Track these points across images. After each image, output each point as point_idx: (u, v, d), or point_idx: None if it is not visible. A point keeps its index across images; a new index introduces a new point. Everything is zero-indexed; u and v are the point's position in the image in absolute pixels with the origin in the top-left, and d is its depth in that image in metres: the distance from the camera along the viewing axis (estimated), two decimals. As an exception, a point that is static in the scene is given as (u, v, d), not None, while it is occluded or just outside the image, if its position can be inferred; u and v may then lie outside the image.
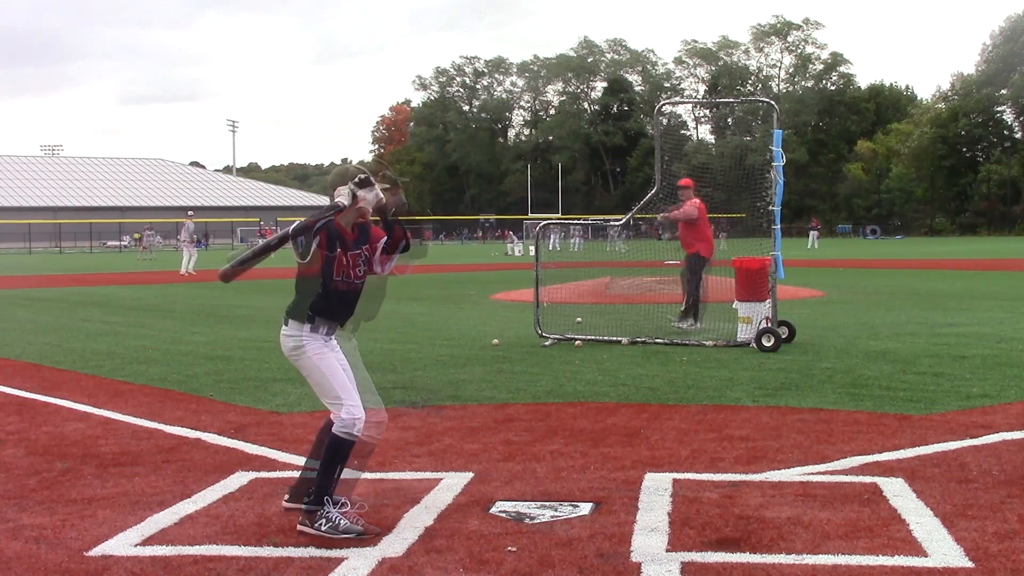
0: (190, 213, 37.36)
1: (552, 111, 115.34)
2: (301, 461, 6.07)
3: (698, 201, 12.51)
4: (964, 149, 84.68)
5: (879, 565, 4.14)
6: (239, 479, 5.66)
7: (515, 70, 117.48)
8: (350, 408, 4.69)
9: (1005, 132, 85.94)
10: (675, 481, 5.45)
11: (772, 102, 12.32)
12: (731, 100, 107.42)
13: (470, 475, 5.67)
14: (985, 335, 11.83)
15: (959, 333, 12.08)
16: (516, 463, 5.93)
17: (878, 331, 12.46)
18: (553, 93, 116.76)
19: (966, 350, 10.47)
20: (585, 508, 4.98)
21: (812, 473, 5.62)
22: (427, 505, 5.06)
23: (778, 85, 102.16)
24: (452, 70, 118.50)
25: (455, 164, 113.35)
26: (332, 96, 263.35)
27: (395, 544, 4.47)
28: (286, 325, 4.78)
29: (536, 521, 4.78)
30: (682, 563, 4.17)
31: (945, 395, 7.94)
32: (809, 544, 4.39)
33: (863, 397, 7.92)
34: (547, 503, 5.07)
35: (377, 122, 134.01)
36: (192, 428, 7.09)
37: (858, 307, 16.28)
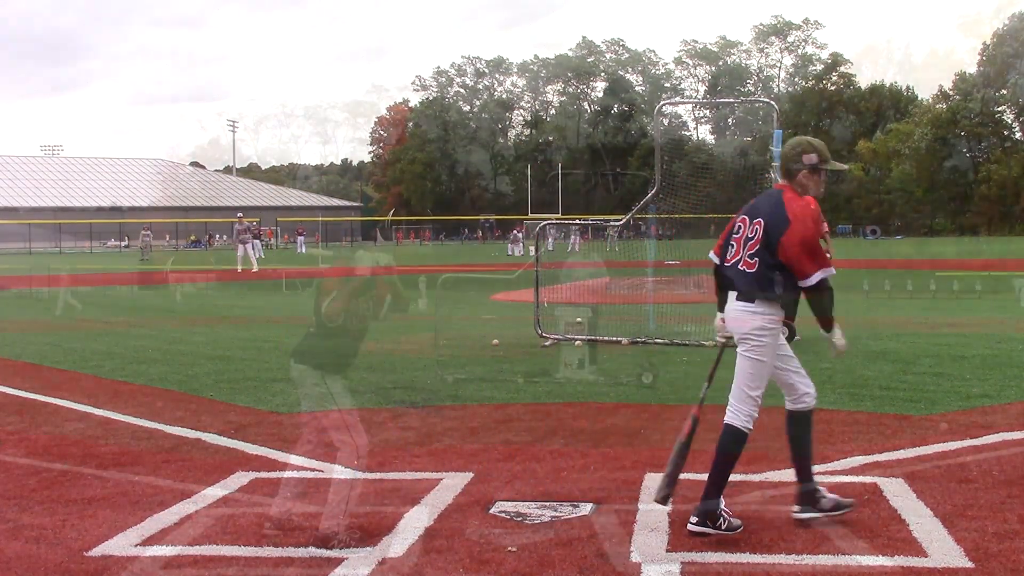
0: (240, 215, 37.93)
1: (552, 111, 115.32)
2: (301, 461, 6.07)
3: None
4: (964, 149, 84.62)
5: (879, 565, 4.13)
6: (239, 479, 5.66)
7: (515, 70, 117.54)
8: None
9: (1005, 132, 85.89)
10: (675, 481, 5.44)
11: (772, 102, 12.33)
12: (731, 100, 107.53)
13: (470, 475, 5.66)
14: (985, 335, 11.82)
15: (959, 333, 12.07)
16: (516, 463, 5.93)
17: (878, 331, 12.45)
18: (553, 93, 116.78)
19: (966, 350, 10.47)
20: (585, 508, 4.98)
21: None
22: (427, 505, 5.06)
23: (778, 85, 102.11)
24: (452, 70, 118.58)
25: (455, 164, 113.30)
26: (332, 97, 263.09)
27: (395, 544, 4.47)
28: (751, 303, 4.34)
29: (536, 521, 4.78)
30: (682, 563, 4.17)
31: (945, 395, 7.93)
32: (809, 544, 4.39)
33: (863, 397, 7.92)
34: (547, 503, 5.07)
35: (375, 122, 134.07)
36: (192, 428, 7.08)
37: (858, 307, 16.27)
